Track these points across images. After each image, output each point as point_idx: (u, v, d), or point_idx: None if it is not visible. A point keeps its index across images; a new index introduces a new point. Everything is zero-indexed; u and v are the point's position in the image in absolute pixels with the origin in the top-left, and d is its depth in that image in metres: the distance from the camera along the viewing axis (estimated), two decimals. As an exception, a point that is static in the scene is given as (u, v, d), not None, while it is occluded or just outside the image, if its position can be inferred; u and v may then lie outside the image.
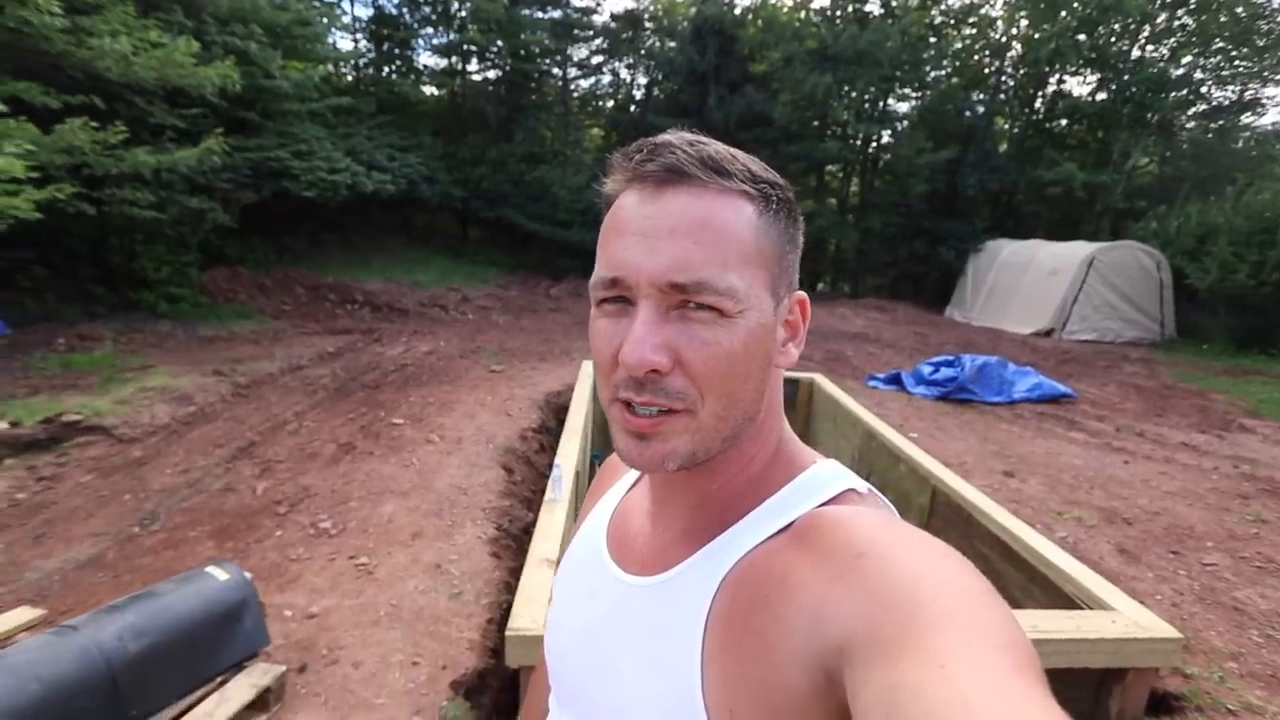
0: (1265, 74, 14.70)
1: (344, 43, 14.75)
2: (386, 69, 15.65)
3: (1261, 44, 14.13)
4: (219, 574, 2.05)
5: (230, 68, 6.93)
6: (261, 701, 1.93)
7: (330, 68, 12.33)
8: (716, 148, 0.46)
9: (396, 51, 15.56)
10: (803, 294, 0.51)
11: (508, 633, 2.06)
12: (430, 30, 15.65)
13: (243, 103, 8.82)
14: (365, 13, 15.88)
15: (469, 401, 5.32)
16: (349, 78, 14.92)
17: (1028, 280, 11.89)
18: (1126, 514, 3.94)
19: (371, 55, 15.63)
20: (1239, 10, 13.91)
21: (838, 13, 16.24)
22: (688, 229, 0.43)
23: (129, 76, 6.12)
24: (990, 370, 6.34)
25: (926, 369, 6.55)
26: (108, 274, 8.24)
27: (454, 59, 16.01)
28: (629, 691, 0.49)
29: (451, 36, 15.31)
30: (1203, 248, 10.87)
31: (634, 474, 0.63)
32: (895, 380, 6.71)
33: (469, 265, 14.26)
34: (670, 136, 0.46)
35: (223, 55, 7.35)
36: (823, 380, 4.12)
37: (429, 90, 16.74)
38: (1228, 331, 10.78)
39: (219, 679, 1.91)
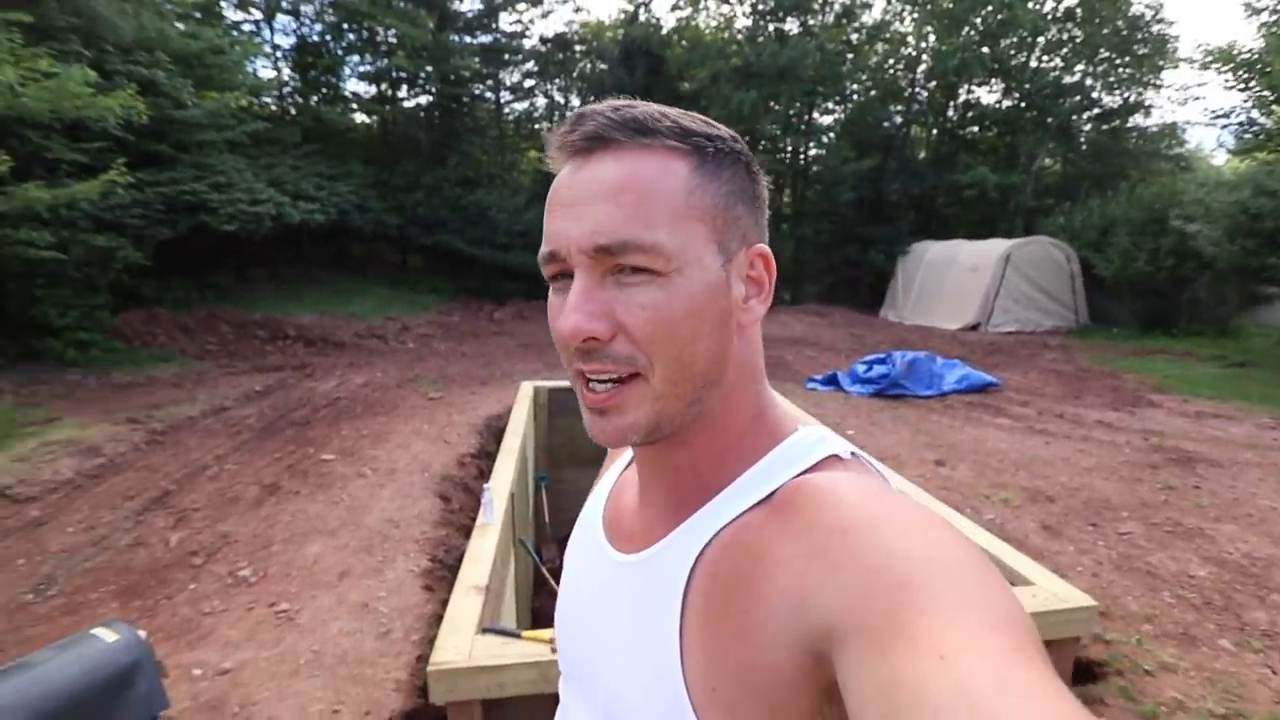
0: (1146, 79, 16.06)
1: (265, 71, 14.34)
2: (314, 97, 15.26)
3: (1140, 53, 15.44)
4: (106, 635, 1.88)
5: (132, 97, 6.60)
6: (159, 771, 1.78)
7: (251, 97, 11.96)
8: (643, 109, 0.45)
9: (323, 79, 15.21)
10: (764, 247, 0.48)
11: (429, 667, 1.96)
12: (357, 57, 15.40)
13: (153, 135, 8.40)
14: (287, 40, 15.45)
15: (405, 431, 5.15)
16: (272, 106, 14.47)
17: (952, 278, 12.48)
18: (1049, 492, 4.14)
19: (297, 84, 15.23)
20: (1119, 24, 15.20)
21: (759, 32, 16.84)
22: (608, 192, 0.43)
23: (16, 110, 5.74)
24: (920, 365, 6.59)
25: (860, 368, 6.75)
26: (4, 322, 7.64)
27: (383, 85, 15.77)
28: (620, 669, 0.48)
29: (380, 63, 15.09)
30: (1105, 239, 11.69)
31: (629, 453, 0.62)
32: (832, 381, 6.89)
33: (409, 294, 13.92)
34: (596, 105, 0.45)
35: (126, 85, 6.99)
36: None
37: (359, 118, 16.42)
38: (1134, 315, 11.59)
39: (109, 751, 1.75)
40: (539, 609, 4.50)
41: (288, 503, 3.82)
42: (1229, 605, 2.81)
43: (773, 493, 0.45)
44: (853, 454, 0.48)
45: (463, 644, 2.09)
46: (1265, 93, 9.59)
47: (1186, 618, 2.72)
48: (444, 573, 3.13)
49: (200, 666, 2.36)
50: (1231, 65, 9.73)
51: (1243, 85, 9.77)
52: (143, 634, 2.03)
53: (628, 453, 0.63)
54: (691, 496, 0.48)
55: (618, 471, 0.62)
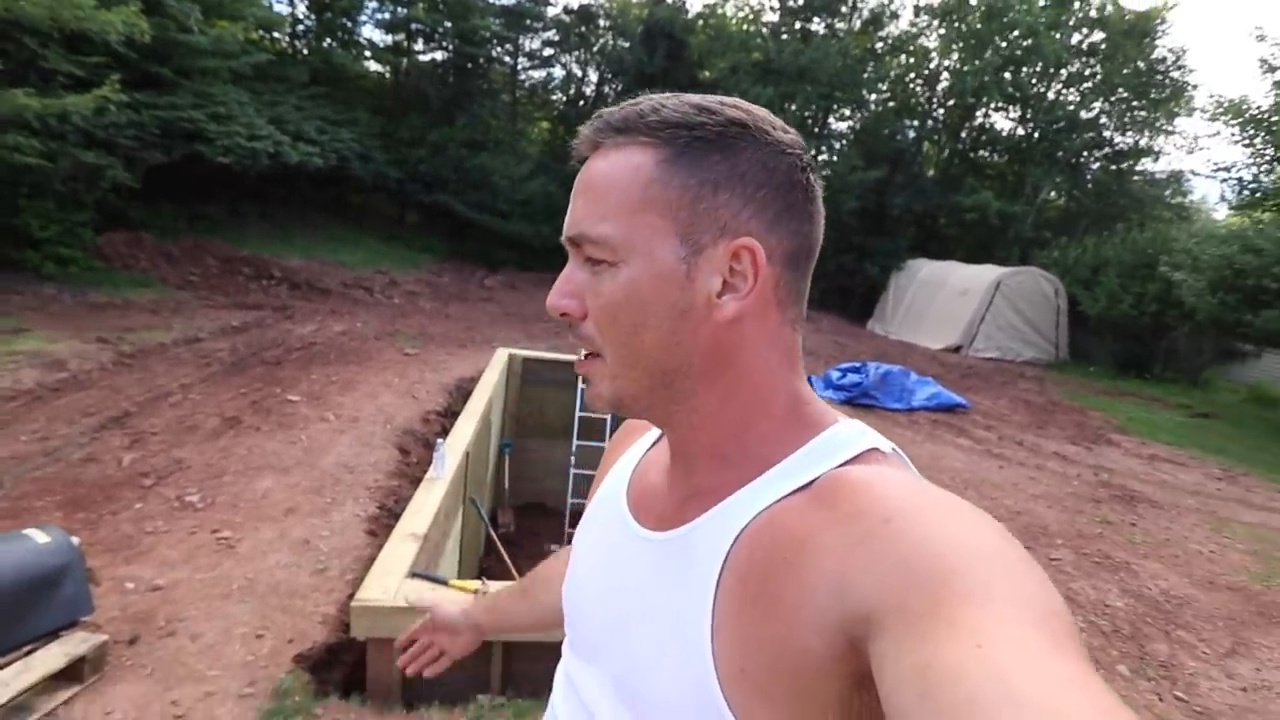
0: (1160, 124, 16.17)
1: (280, 7, 14.04)
2: (327, 39, 14.97)
3: (1157, 97, 15.52)
4: (39, 536, 1.93)
5: (137, 15, 6.48)
6: (75, 671, 1.83)
7: (261, 30, 11.72)
8: (645, 103, 0.47)
9: (338, 22, 14.91)
10: (749, 241, 0.45)
11: (354, 603, 2.04)
12: (375, 3, 15.11)
13: (155, 56, 8.25)
14: (305, -22, 15.09)
15: (374, 382, 5.18)
16: (283, 43, 14.20)
17: (941, 299, 12.59)
18: (992, 513, 4.24)
19: (311, 23, 14.92)
20: (1140, 64, 15.24)
21: (783, 29, 16.72)
22: (581, 189, 0.48)
23: (14, 13, 5.63)
24: (893, 378, 6.68)
25: (835, 374, 6.84)
26: (-16, 228, 7.53)
27: (400, 36, 15.50)
28: (644, 646, 0.48)
29: (400, 12, 14.81)
30: (1095, 277, 11.84)
31: (655, 431, 0.62)
32: (807, 384, 6.98)
33: (402, 249, 13.81)
34: (608, 108, 0.48)
35: (131, 2, 6.85)
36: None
37: (371, 66, 16.15)
38: (1112, 356, 11.78)
39: (26, 647, 1.80)
40: (489, 569, 4.58)
41: (246, 437, 3.85)
42: (1135, 635, 2.93)
43: (812, 481, 0.45)
44: (893, 450, 0.48)
45: (390, 585, 2.16)
46: (1270, 150, 9.70)
47: (1093, 643, 2.83)
48: (390, 521, 3.18)
49: (134, 581, 2.40)
50: (1240, 120, 9.83)
51: (1248, 141, 9.88)
52: (75, 540, 2.07)
53: (650, 434, 0.64)
54: (721, 480, 0.49)
55: (641, 450, 0.62)
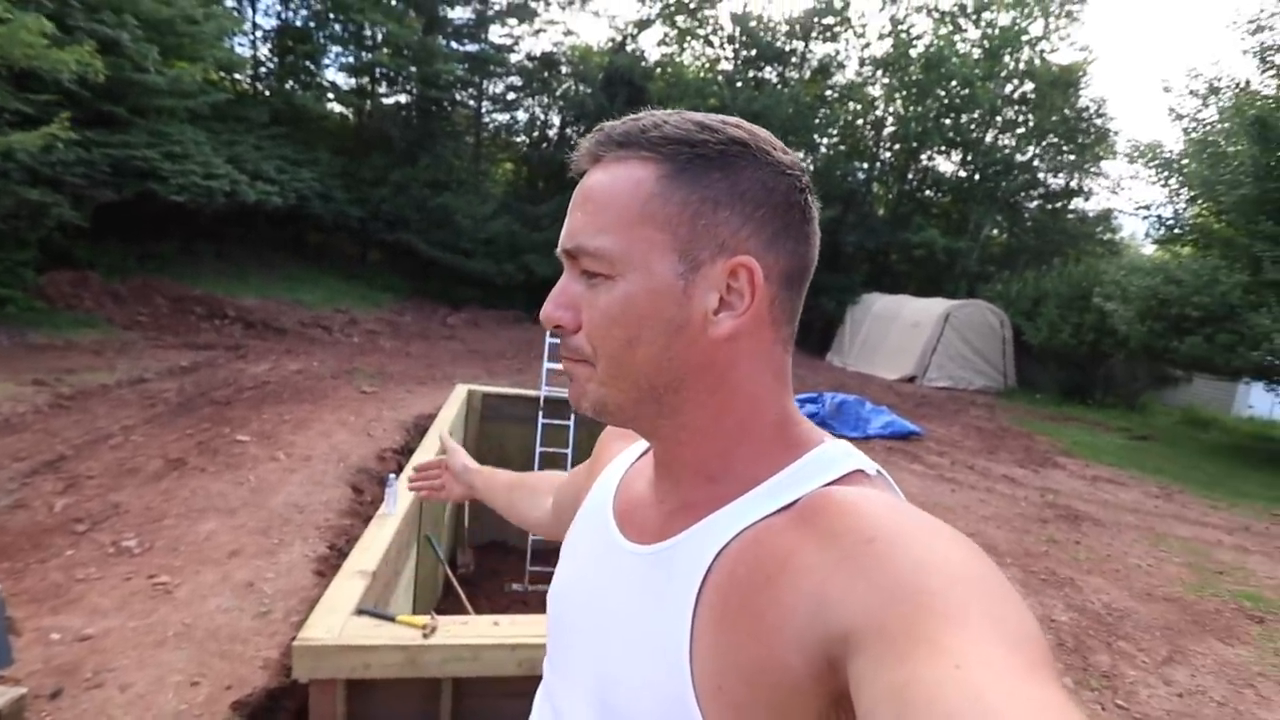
0: (1087, 167, 17.37)
1: (243, 49, 14.09)
2: (290, 81, 15.04)
3: (1083, 142, 16.72)
4: (-44, 583, 1.83)
5: (90, 54, 6.43)
6: (-11, 727, 1.72)
7: (221, 72, 11.71)
8: (642, 120, 0.47)
9: (301, 65, 15.02)
10: (747, 259, 0.45)
11: (295, 643, 1.97)
12: (339, 48, 15.31)
13: (109, 95, 8.17)
14: (269, 22, 15.24)
15: (329, 420, 5.08)
16: (244, 85, 14.20)
17: (895, 331, 13.03)
18: (944, 535, 4.37)
19: (274, 65, 15.00)
20: (1066, 112, 16.46)
21: (738, 77, 17.52)
22: (580, 201, 0.48)
23: (-40, 52, 5.54)
24: (848, 408, 6.86)
25: (794, 404, 6.99)
26: (-85, 268, 7.21)
27: (363, 79, 15.69)
28: (623, 660, 0.48)
29: (364, 57, 15.02)
30: (1036, 309, 12.45)
31: (642, 443, 0.62)
32: (767, 414, 7.11)
33: (363, 288, 13.67)
34: (610, 121, 0.48)
35: (85, 42, 6.81)
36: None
37: (334, 107, 16.24)
38: (1056, 383, 12.32)
39: (-64, 702, 1.69)
40: (446, 609, 4.44)
41: (191, 479, 3.72)
42: (1079, 648, 3.03)
43: (796, 501, 0.45)
44: (878, 471, 0.48)
45: (335, 623, 2.10)
46: (1183, 190, 10.50)
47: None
48: (340, 561, 3.10)
49: (60, 631, 2.28)
50: (1155, 162, 10.65)
51: (1163, 182, 10.69)
52: (-3, 587, 1.97)
53: (636, 445, 0.63)
54: (707, 495, 0.49)
55: (627, 463, 0.62)
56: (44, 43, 6.04)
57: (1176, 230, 11.01)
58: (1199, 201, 10.10)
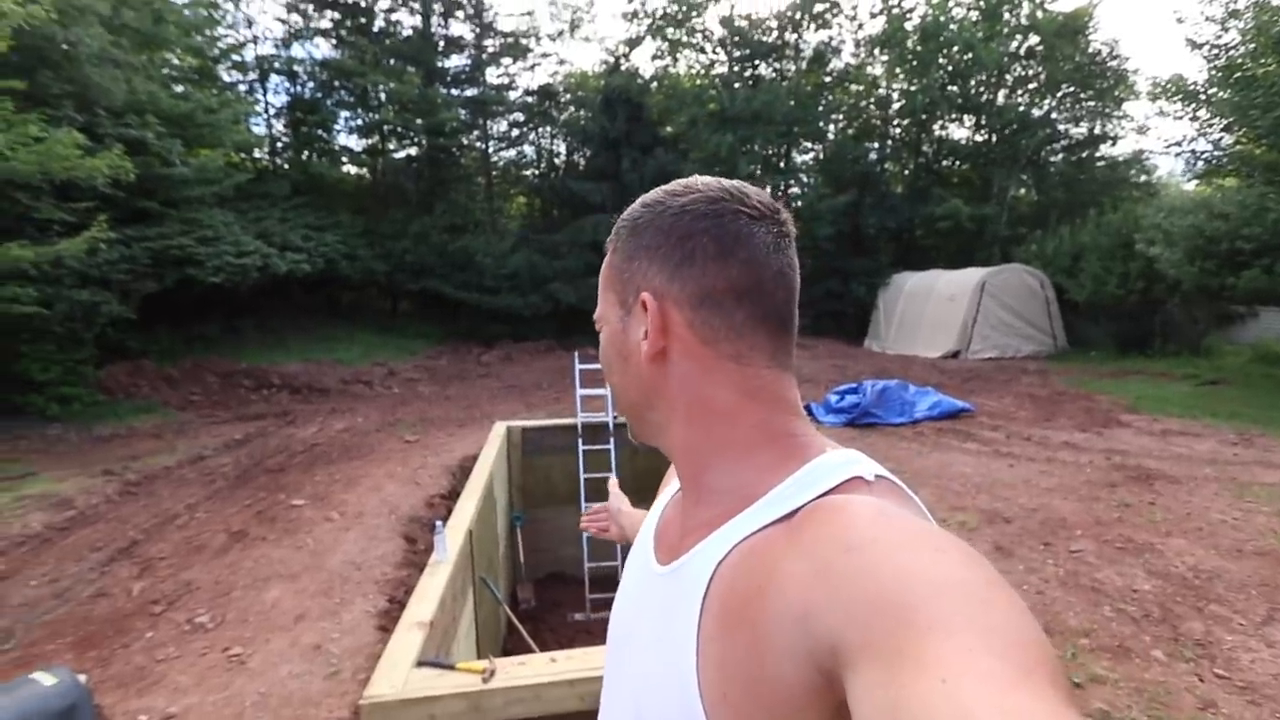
0: (1109, 111, 16.69)
1: (258, 128, 14.82)
2: (305, 152, 15.73)
3: (1101, 87, 16.09)
4: (45, 680, 1.93)
5: (120, 157, 6.86)
6: (88, 814, 1.81)
7: (240, 154, 12.33)
8: (629, 210, 0.58)
9: (315, 134, 15.70)
10: (643, 294, 0.54)
11: (361, 701, 2.02)
12: (347, 113, 15.95)
13: (141, 192, 8.69)
14: (279, 99, 15.99)
15: (378, 474, 5.21)
16: (263, 161, 14.91)
17: (931, 308, 12.69)
18: (1007, 513, 4.19)
19: (289, 139, 15.72)
20: (1079, 59, 15.88)
21: (734, 78, 17.52)
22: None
23: (5, 173, 5.97)
24: (891, 393, 6.69)
25: (833, 398, 6.85)
26: (-12, 379, 7.74)
27: (373, 139, 16.29)
28: (646, 670, 0.52)
29: (371, 118, 15.61)
30: (1077, 265, 11.96)
31: None
32: (807, 413, 6.98)
33: (397, 339, 14.07)
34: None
35: (113, 146, 7.26)
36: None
37: (349, 170, 16.88)
38: (1110, 338, 11.76)
39: (38, 795, 1.78)
40: (512, 649, 4.47)
41: (253, 549, 3.86)
42: (1167, 617, 2.85)
43: (794, 511, 0.46)
44: (878, 476, 0.48)
45: (398, 678, 2.14)
46: (1215, 120, 9.98)
47: (1124, 630, 2.76)
48: (400, 613, 3.16)
49: (146, 712, 2.38)
50: (1180, 96, 10.16)
51: (1192, 115, 10.18)
52: (83, 678, 2.08)
53: None
54: (717, 512, 0.51)
55: (673, 489, 0.66)
56: (78, 154, 6.47)
57: (1215, 163, 10.45)
58: (1234, 130, 9.56)
